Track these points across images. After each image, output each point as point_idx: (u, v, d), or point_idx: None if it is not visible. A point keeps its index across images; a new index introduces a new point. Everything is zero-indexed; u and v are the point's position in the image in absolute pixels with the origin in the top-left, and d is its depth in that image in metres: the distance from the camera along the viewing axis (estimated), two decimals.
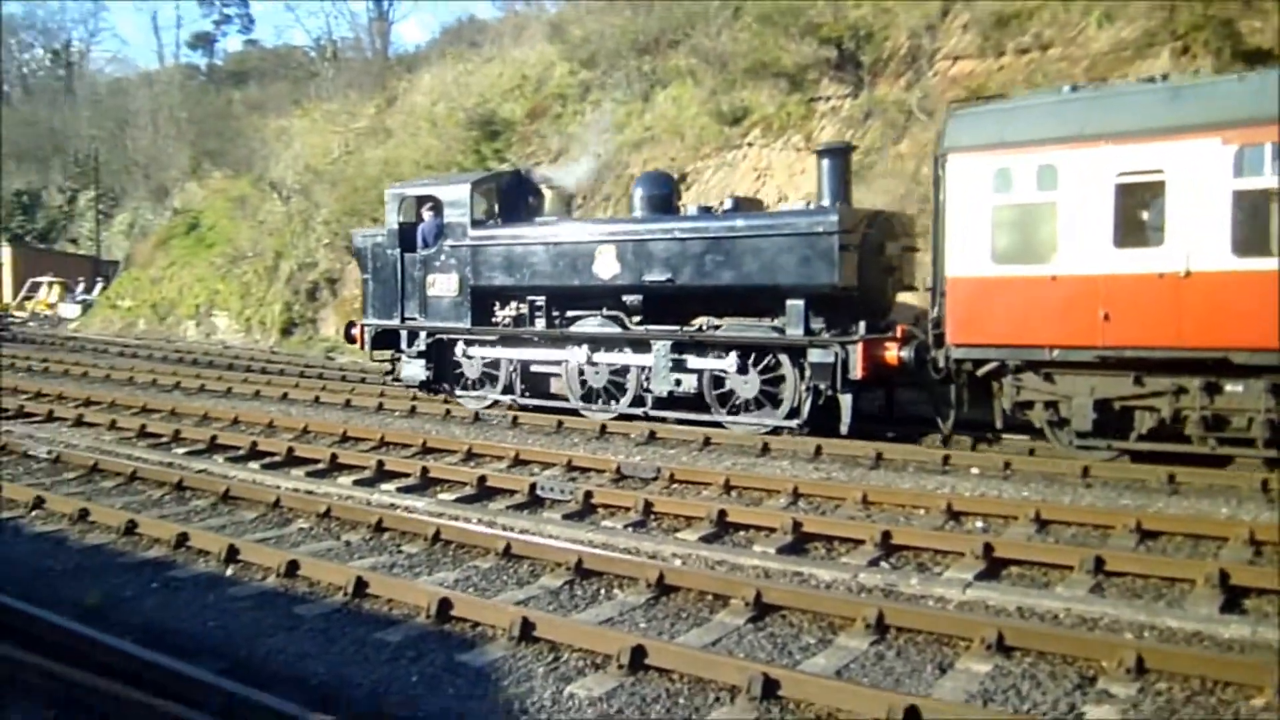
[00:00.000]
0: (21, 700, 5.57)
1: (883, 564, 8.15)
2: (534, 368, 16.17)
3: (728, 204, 14.98)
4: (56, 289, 46.75)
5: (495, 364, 16.57)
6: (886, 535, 8.50)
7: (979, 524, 9.18)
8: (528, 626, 6.49)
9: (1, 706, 5.54)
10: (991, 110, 12.24)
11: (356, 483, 11.12)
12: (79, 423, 15.36)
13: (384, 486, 10.97)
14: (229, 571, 8.11)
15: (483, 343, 16.63)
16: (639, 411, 14.75)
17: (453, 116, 33.06)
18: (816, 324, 13.29)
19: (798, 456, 12.27)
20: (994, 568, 7.90)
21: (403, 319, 17.35)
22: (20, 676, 5.69)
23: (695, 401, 14.37)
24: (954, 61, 20.94)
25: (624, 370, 15.04)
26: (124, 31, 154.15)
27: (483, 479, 10.86)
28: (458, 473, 11.29)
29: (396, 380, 18.25)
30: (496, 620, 6.69)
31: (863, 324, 12.89)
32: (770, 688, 5.57)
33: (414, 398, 16.97)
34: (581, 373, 15.42)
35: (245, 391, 18.92)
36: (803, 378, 13.24)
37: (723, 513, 9.24)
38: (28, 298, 47.55)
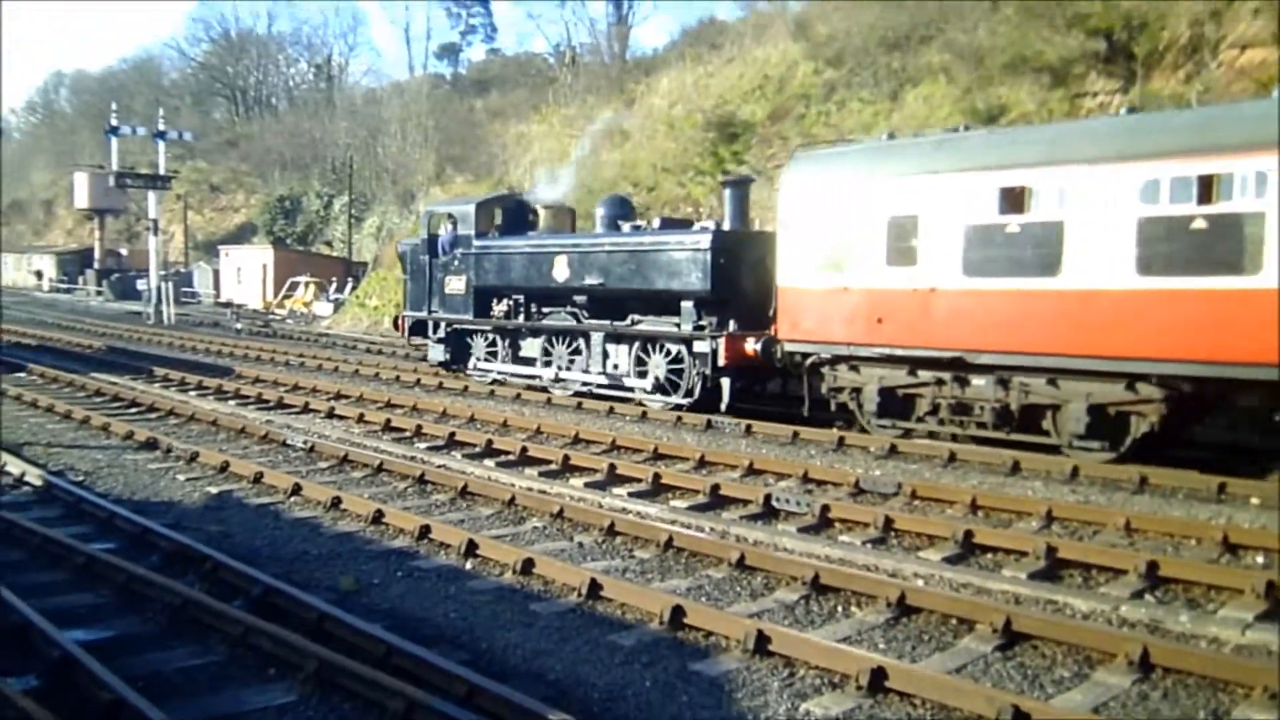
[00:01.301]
0: (279, 679, 5.83)
1: (1147, 597, 7.61)
2: (521, 352, 19.89)
3: (656, 223, 18.21)
4: (312, 288, 49.73)
5: (495, 349, 20.43)
6: (1153, 566, 7.94)
7: (1259, 559, 8.45)
8: (763, 640, 6.38)
9: (264, 684, 5.81)
10: (816, 154, 15.55)
11: (588, 485, 11.24)
12: (330, 414, 16.27)
13: (615, 490, 11.04)
14: (468, 565, 8.33)
15: (483, 331, 20.57)
16: (587, 390, 18.06)
17: (690, 119, 33.03)
18: (707, 321, 16.16)
19: (1051, 478, 11.62)
20: (1279, 608, 7.20)
21: (429, 311, 21.53)
22: (281, 655, 5.97)
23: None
24: (1242, 51, 19.39)
25: (578, 355, 18.51)
26: (379, 44, 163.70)
27: (715, 487, 10.77)
28: (690, 480, 11.26)
29: (424, 360, 22.52)
30: (730, 631, 6.60)
31: (733, 322, 15.71)
32: None
33: (643, 405, 17.12)
34: (548, 356, 19.08)
35: (480, 390, 19.57)
36: (694, 365, 16.16)
37: (969, 533, 8.85)
38: (287, 296, 50.85)
